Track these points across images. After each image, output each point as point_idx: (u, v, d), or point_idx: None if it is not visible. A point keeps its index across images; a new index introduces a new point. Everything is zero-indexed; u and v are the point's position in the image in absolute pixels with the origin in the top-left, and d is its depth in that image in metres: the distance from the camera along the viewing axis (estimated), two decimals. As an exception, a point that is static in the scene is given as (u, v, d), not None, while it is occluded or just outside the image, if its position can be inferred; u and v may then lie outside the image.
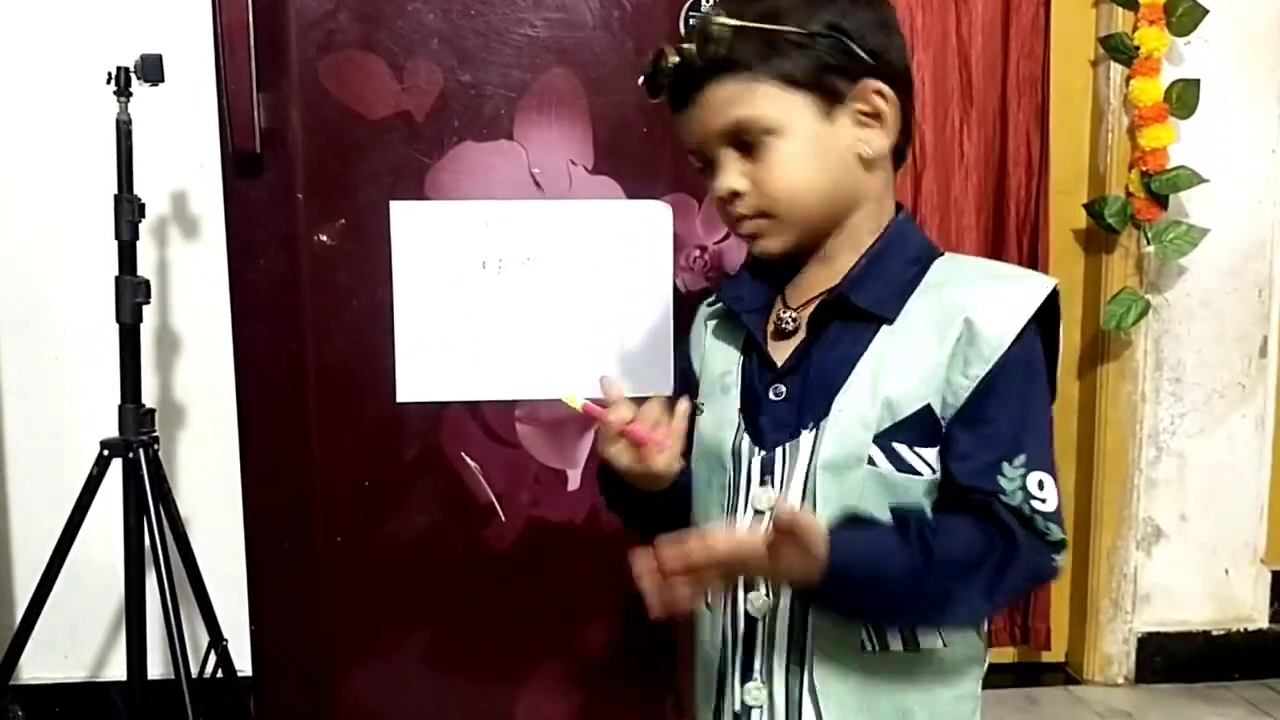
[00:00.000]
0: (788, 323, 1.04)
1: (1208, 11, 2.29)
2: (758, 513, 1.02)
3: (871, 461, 0.97)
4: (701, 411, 1.10)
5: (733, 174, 1.01)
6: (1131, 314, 2.36)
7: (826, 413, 0.99)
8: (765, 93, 0.98)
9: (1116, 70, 2.39)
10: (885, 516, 0.97)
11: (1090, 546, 2.52)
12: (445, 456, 1.62)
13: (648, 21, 1.57)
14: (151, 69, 1.75)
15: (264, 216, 1.57)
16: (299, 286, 1.58)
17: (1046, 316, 0.98)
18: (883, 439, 0.97)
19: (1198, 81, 2.33)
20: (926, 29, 2.28)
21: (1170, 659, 2.53)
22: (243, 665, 1.98)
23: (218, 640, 1.99)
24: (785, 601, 1.01)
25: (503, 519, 1.64)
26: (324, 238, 1.58)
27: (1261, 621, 2.57)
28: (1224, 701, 2.45)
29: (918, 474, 0.97)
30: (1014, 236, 2.35)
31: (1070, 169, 2.47)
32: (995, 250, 2.36)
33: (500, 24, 1.56)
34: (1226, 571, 2.55)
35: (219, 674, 1.99)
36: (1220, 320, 2.49)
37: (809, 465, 0.99)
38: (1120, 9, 2.35)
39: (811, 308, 1.04)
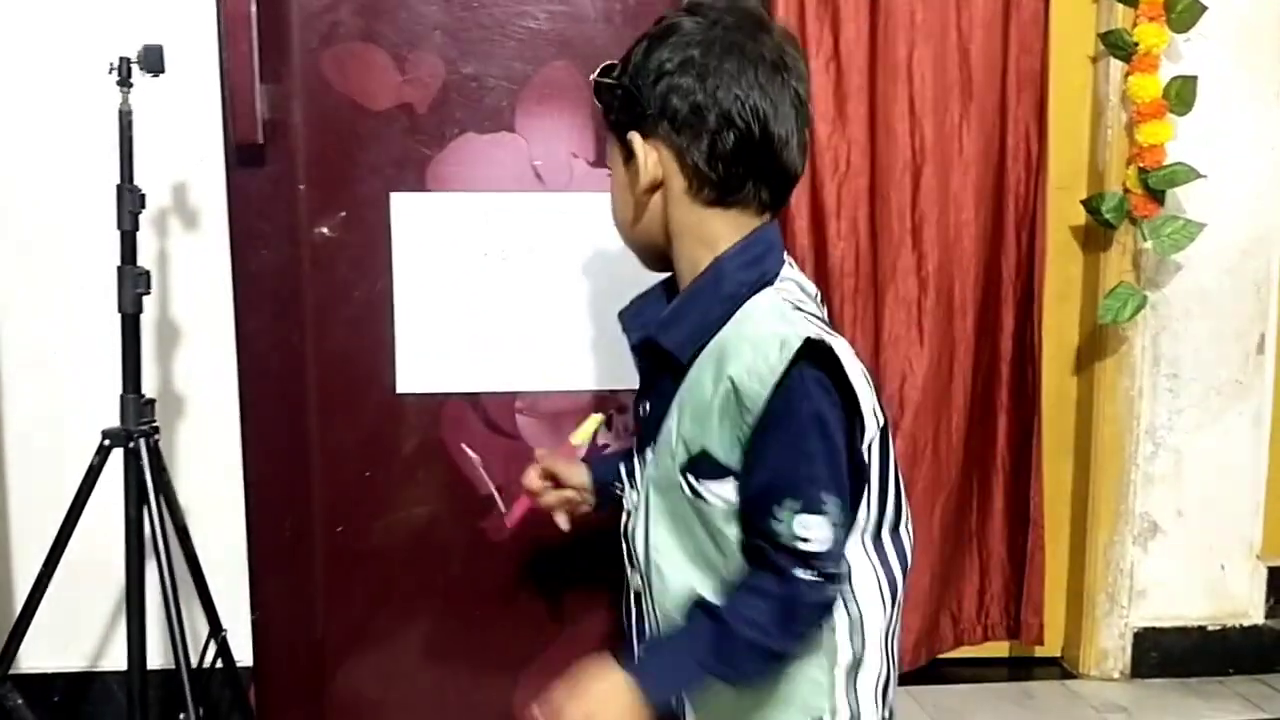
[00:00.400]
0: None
1: (1206, 8, 2.30)
2: (627, 513, 1.19)
3: (681, 489, 1.08)
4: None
5: None
6: (1128, 308, 2.36)
7: (658, 439, 1.12)
8: (608, 137, 1.15)
9: (1116, 66, 2.40)
10: (701, 531, 1.09)
11: (1087, 541, 2.53)
12: (445, 447, 1.63)
13: (649, 14, 1.56)
14: (153, 59, 1.75)
15: (266, 207, 1.58)
16: (300, 277, 1.59)
17: (829, 362, 1.03)
18: (684, 470, 1.08)
19: (1195, 78, 2.33)
20: (926, 24, 2.27)
21: (1166, 654, 2.54)
22: (241, 656, 1.99)
23: (217, 630, 1.99)
24: (647, 586, 1.16)
25: (502, 510, 1.65)
26: (325, 230, 1.59)
27: (1257, 617, 2.58)
28: (1219, 696, 2.46)
29: (709, 503, 1.07)
30: (1012, 232, 2.35)
31: (1069, 165, 2.48)
32: (994, 245, 2.36)
33: (502, 16, 1.56)
34: (1222, 567, 2.56)
35: (218, 664, 1.99)
36: (1218, 317, 2.49)
37: (649, 481, 1.13)
38: (1120, 5, 2.36)
39: None
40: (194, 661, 1.88)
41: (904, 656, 2.40)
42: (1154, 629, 2.54)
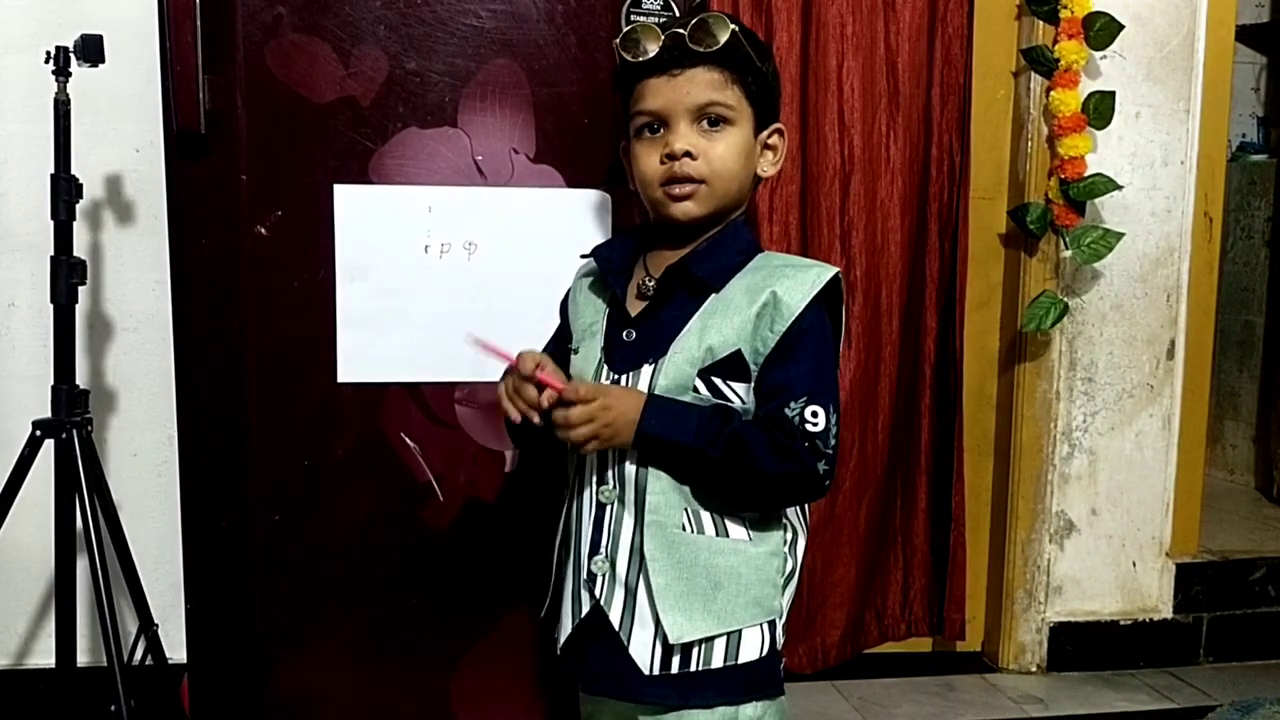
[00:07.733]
0: (648, 288, 1.34)
1: (1123, 27, 2.40)
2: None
3: (695, 390, 1.27)
4: (577, 352, 1.37)
5: (693, 138, 1.29)
6: (1050, 316, 2.45)
7: (664, 353, 1.28)
8: (734, 92, 1.29)
9: (1037, 81, 2.49)
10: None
11: (1006, 539, 2.61)
12: (384, 437, 1.64)
13: (590, 16, 1.62)
14: (91, 49, 1.75)
15: (207, 197, 1.58)
16: (240, 267, 1.60)
17: (835, 299, 1.30)
18: (704, 374, 1.27)
19: (1113, 93, 2.43)
20: (856, 35, 2.33)
21: (1081, 648, 2.63)
22: (172, 652, 1.98)
23: (148, 625, 1.98)
24: (630, 491, 1.29)
25: (440, 499, 1.67)
26: (262, 230, 1.60)
27: (1166, 612, 2.68)
28: (1129, 688, 2.56)
29: (729, 401, 1.27)
30: (936, 239, 2.42)
31: (992, 175, 2.57)
32: (918, 252, 2.43)
33: (446, 14, 1.59)
34: (1134, 564, 2.66)
35: (148, 660, 1.98)
36: (1131, 323, 2.60)
37: (648, 390, 1.28)
38: (1041, 22, 2.45)
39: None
40: (124, 658, 1.87)
41: (830, 651, 2.46)
42: (1069, 624, 2.63)
